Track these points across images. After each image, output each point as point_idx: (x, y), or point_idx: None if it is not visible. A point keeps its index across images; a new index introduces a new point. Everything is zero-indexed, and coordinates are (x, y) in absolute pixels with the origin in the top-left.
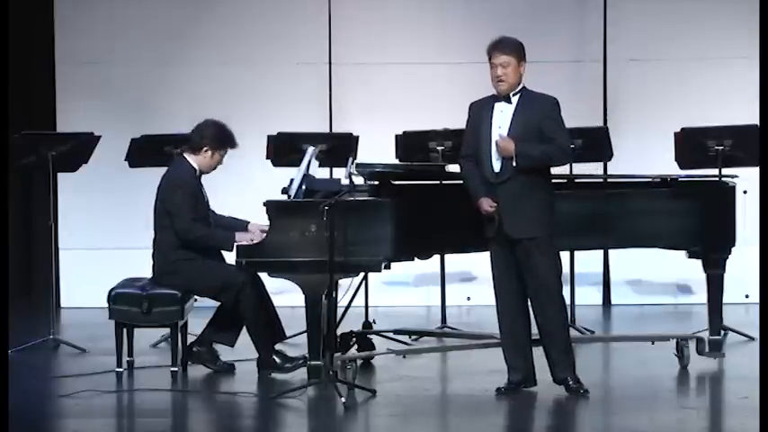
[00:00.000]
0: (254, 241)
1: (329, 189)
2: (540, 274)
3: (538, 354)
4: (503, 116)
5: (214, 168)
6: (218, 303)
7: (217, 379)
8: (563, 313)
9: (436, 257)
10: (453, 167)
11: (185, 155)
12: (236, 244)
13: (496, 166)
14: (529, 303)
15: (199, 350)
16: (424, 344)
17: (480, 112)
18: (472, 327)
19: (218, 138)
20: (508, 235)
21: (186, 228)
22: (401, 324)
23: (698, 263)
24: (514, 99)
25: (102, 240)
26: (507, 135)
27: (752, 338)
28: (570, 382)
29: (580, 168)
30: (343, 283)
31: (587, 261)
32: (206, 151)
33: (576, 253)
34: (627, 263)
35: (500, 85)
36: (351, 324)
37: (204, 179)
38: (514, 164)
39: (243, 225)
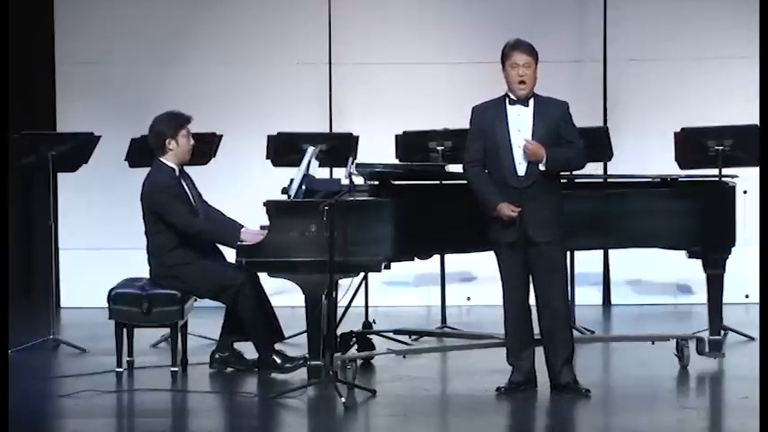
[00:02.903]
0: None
1: (329, 189)
2: (553, 276)
3: (538, 355)
4: (520, 120)
5: (189, 154)
6: (225, 306)
7: (216, 379)
8: (568, 316)
9: (436, 257)
10: (453, 167)
11: (160, 159)
12: (239, 243)
13: (520, 169)
14: (533, 305)
15: (222, 356)
16: (424, 344)
17: (490, 115)
18: (472, 327)
19: (169, 123)
20: (530, 238)
21: (187, 222)
22: (401, 324)
23: (698, 263)
24: (530, 102)
25: (102, 240)
26: (531, 139)
27: (752, 338)
28: (569, 386)
29: None
30: (343, 283)
31: (587, 261)
32: (169, 143)
33: (576, 253)
34: (627, 263)
35: (521, 87)
36: (351, 324)
37: (203, 180)
38: (543, 168)
39: (237, 227)
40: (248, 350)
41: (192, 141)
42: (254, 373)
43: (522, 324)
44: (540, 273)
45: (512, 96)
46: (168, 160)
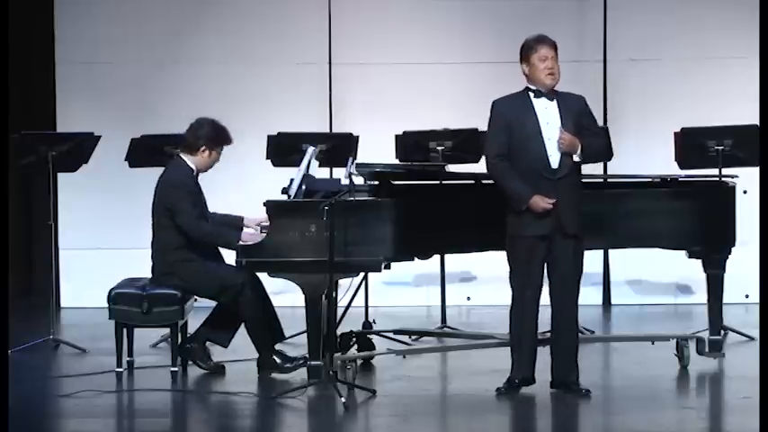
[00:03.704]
0: (257, 241)
1: (329, 189)
2: (574, 270)
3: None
4: (548, 113)
5: (211, 167)
6: (216, 305)
7: (217, 379)
8: (577, 316)
9: (436, 257)
10: (453, 167)
11: (182, 155)
12: (240, 243)
13: (553, 161)
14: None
15: (192, 347)
16: (424, 344)
17: (515, 109)
18: (472, 327)
19: (214, 136)
20: (564, 230)
21: (193, 225)
22: (401, 324)
23: (698, 263)
24: (554, 96)
25: (102, 240)
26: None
27: (752, 338)
28: (572, 385)
29: None
30: (343, 283)
31: (587, 261)
32: (203, 151)
33: None
34: (627, 263)
35: (550, 78)
36: (351, 324)
37: (204, 179)
38: (578, 159)
39: (238, 220)
40: (249, 350)
41: (218, 160)
42: (253, 373)
43: (533, 323)
44: (563, 267)
45: (535, 89)
46: (190, 161)
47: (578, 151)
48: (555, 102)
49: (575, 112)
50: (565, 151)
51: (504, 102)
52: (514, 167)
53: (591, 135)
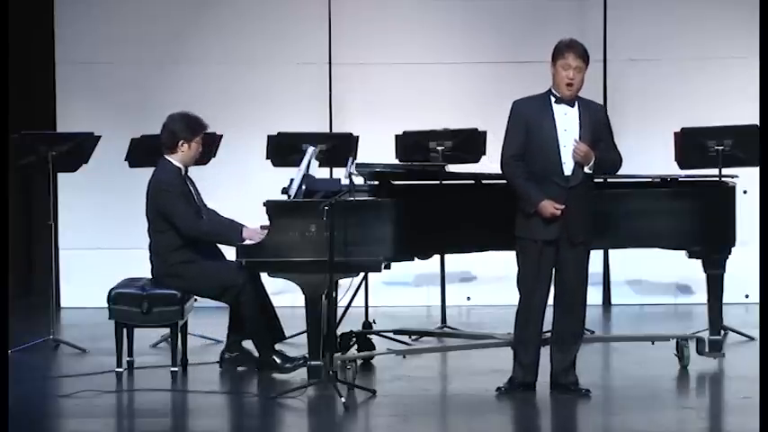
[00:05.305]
0: (257, 240)
1: (329, 189)
2: (580, 278)
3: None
4: (567, 119)
5: (196, 158)
6: (229, 306)
7: (216, 379)
8: (584, 319)
9: (436, 257)
10: (453, 167)
11: (166, 156)
12: (241, 242)
13: (566, 169)
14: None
15: (231, 356)
16: (424, 344)
17: (534, 111)
18: (472, 327)
19: (188, 127)
20: (570, 238)
21: (191, 225)
22: (401, 324)
23: (698, 263)
24: (575, 103)
25: (102, 240)
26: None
27: (752, 338)
28: (571, 386)
29: None
30: (343, 283)
31: None
32: (182, 145)
33: None
34: (627, 263)
35: (569, 89)
36: (351, 324)
37: (203, 180)
38: (589, 170)
39: (238, 227)
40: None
41: (200, 148)
42: (253, 373)
43: (539, 325)
44: (569, 273)
45: (557, 94)
46: (175, 160)
47: (591, 164)
48: (576, 109)
49: (594, 123)
50: (580, 162)
51: (524, 102)
52: (528, 169)
53: (606, 149)
